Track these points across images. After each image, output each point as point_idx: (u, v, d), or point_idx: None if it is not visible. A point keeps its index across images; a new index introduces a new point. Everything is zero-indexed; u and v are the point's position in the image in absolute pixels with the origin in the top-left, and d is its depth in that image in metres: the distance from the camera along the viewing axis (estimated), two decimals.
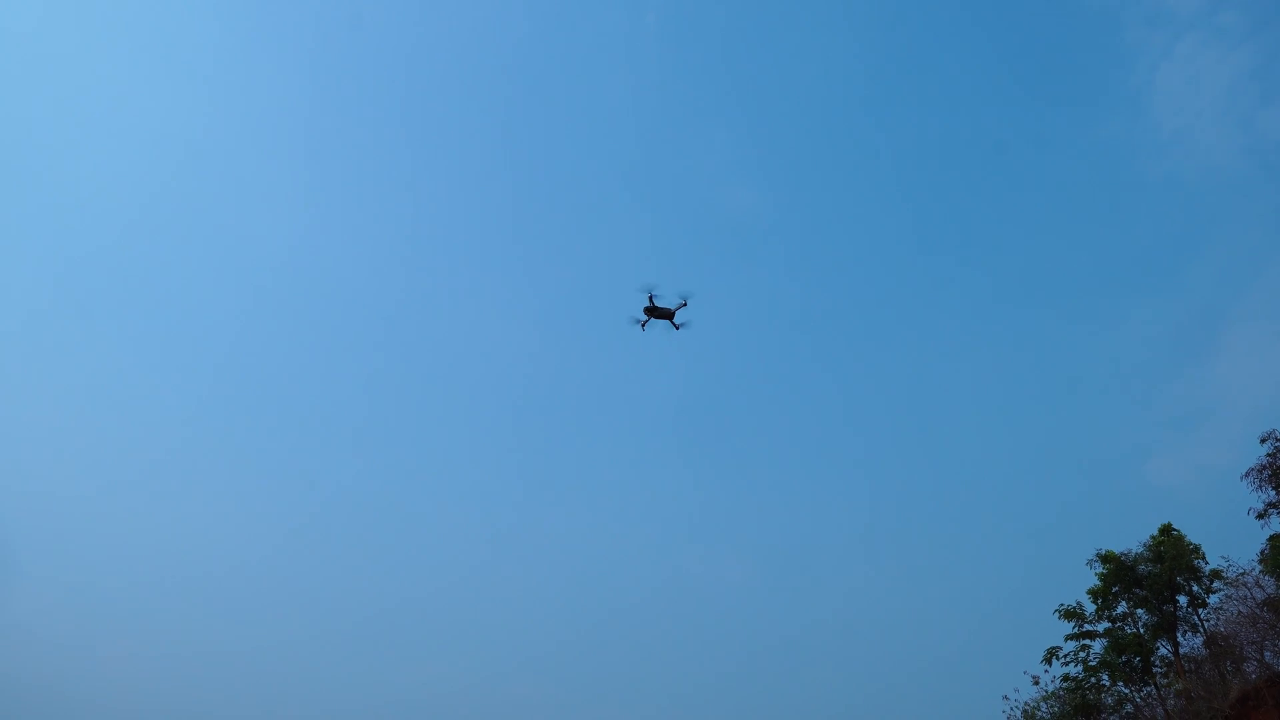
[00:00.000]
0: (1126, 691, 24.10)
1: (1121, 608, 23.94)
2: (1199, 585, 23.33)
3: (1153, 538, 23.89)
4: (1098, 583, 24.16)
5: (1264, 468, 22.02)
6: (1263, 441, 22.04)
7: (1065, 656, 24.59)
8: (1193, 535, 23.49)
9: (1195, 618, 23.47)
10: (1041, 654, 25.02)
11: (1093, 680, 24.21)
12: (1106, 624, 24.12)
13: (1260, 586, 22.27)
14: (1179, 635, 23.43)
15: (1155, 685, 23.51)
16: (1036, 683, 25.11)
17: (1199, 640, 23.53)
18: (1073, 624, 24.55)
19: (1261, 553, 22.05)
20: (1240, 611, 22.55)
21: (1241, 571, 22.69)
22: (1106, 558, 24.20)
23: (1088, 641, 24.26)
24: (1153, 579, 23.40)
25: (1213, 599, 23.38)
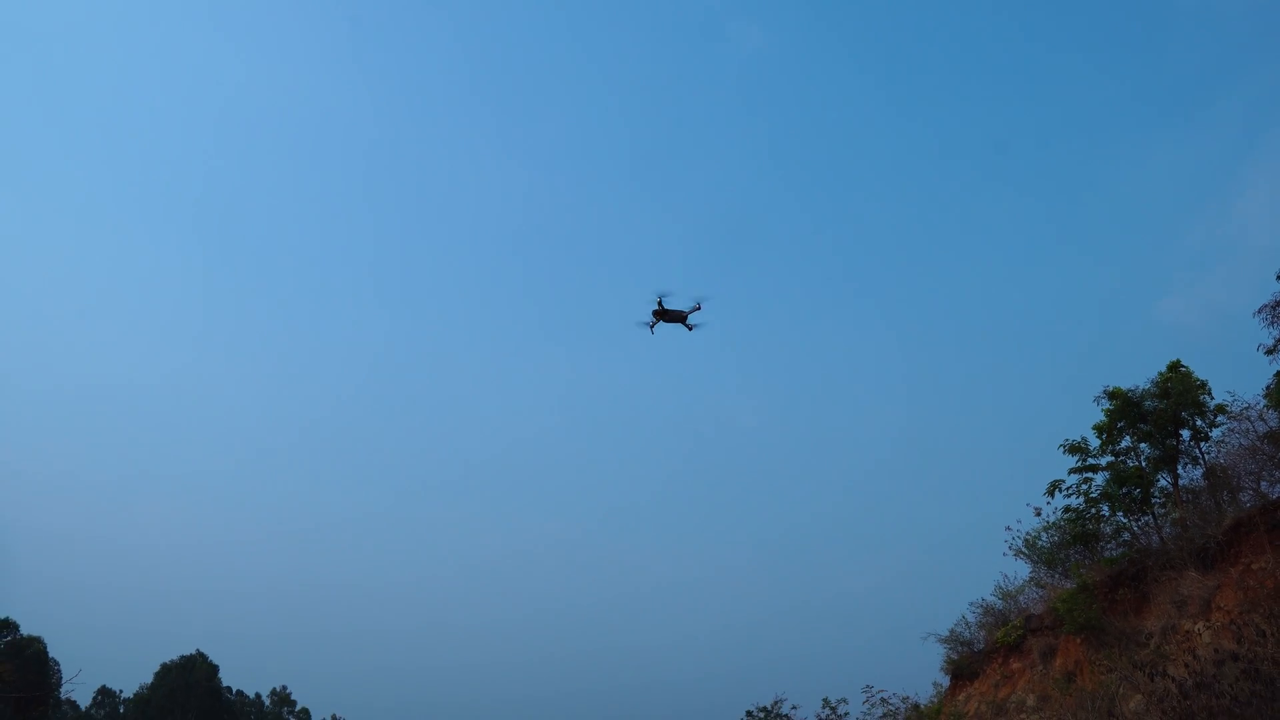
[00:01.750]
0: (1125, 521, 25.09)
1: (1125, 442, 24.45)
2: (1203, 420, 23.68)
3: (1161, 374, 24.03)
4: (1104, 419, 24.63)
5: (1277, 304, 21.77)
6: (1278, 278, 21.72)
7: (1068, 489, 25.40)
8: (1202, 373, 23.69)
9: (1197, 451, 23.99)
10: (1045, 488, 25.97)
11: (1093, 511, 25.14)
12: (1109, 458, 24.71)
13: (1263, 420, 22.53)
14: (1179, 468, 24.02)
15: (1153, 515, 24.44)
16: (1038, 514, 26.21)
17: (1199, 472, 24.15)
18: (1076, 458, 25.21)
19: (1267, 388, 22.12)
20: (1241, 444, 22.95)
21: (1246, 406, 22.92)
22: (1113, 394, 24.50)
23: (1090, 475, 24.92)
24: (1158, 414, 23.75)
25: (1215, 433, 23.74)
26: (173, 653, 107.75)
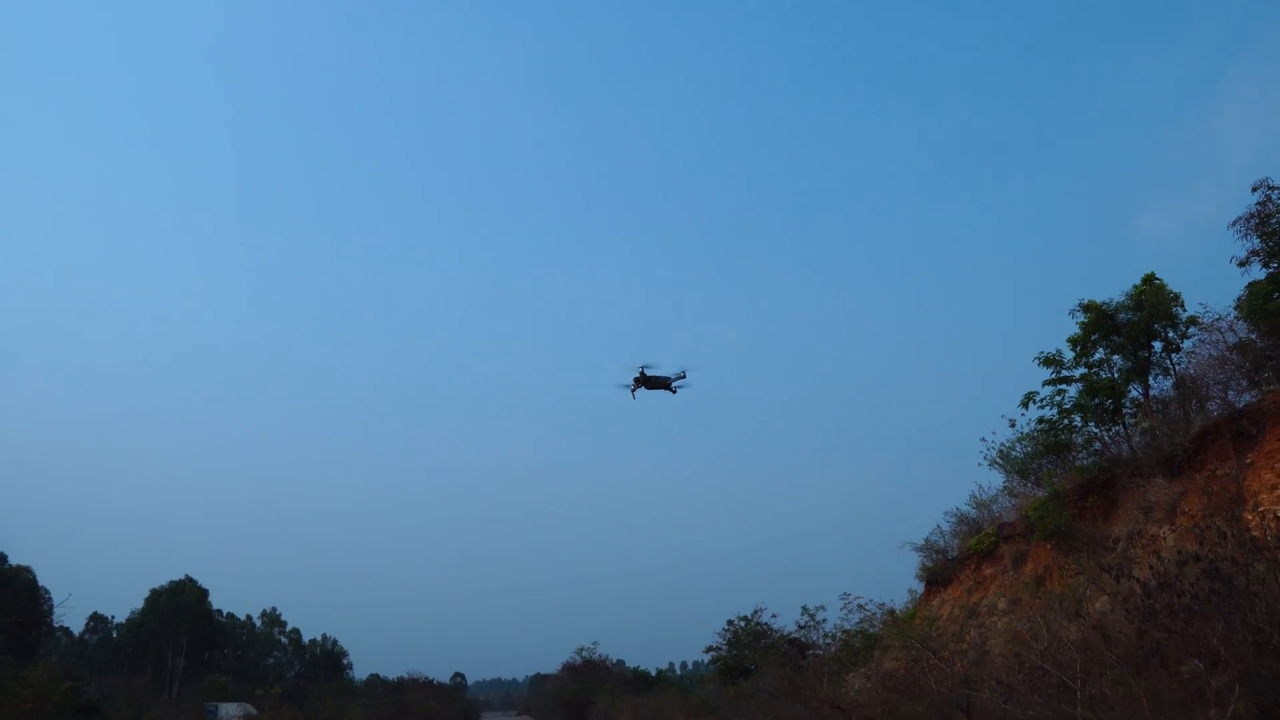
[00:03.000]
0: (1096, 431, 25.64)
1: (1098, 354, 24.86)
2: (1175, 331, 24.08)
3: (1135, 287, 24.33)
4: (1078, 331, 24.97)
5: (1252, 215, 21.91)
6: (1254, 190, 21.82)
7: (1041, 401, 25.89)
8: (1178, 287, 23.92)
9: (1168, 362, 24.46)
10: (1019, 401, 26.44)
11: (1065, 422, 25.64)
12: (1083, 370, 25.16)
13: (1233, 331, 22.90)
14: (1151, 379, 24.51)
15: (1124, 425, 25.01)
16: (1013, 425, 26.76)
17: (1169, 383, 24.70)
18: (1051, 370, 25.63)
19: (1238, 299, 22.47)
20: (1211, 355, 23.39)
21: (1217, 318, 23.26)
22: (1088, 307, 24.79)
23: (1064, 387, 25.39)
24: (1131, 326, 24.10)
25: (1186, 344, 24.15)
26: (162, 578, 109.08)
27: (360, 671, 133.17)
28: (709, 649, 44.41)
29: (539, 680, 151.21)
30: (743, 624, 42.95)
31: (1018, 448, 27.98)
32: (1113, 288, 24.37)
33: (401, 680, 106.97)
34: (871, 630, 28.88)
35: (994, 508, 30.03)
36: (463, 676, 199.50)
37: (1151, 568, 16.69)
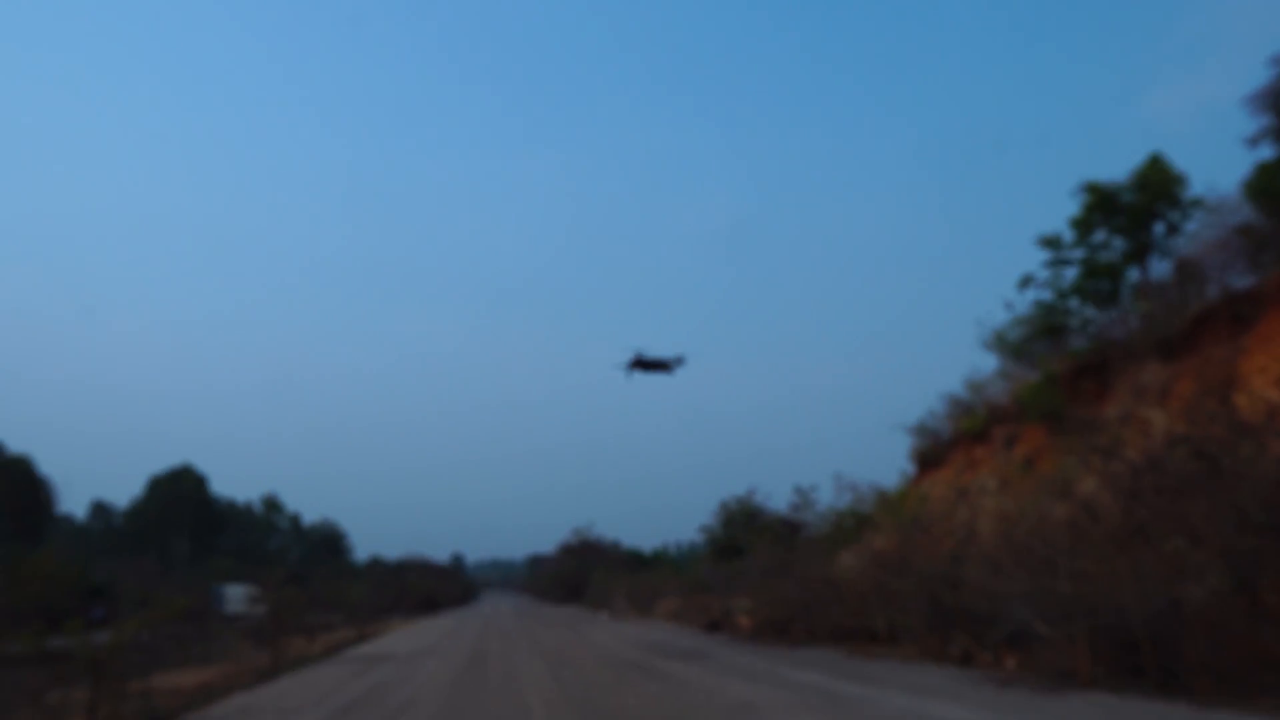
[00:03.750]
0: (1092, 314, 25.65)
1: (1099, 236, 24.64)
2: (1178, 213, 23.79)
3: (1140, 167, 23.91)
4: (1080, 213, 24.64)
5: (1265, 92, 21.34)
6: (1272, 64, 21.13)
7: (1039, 284, 25.79)
8: (1187, 168, 23.39)
9: (1169, 245, 24.24)
10: (1017, 284, 26.31)
11: (1062, 305, 25.63)
12: (1083, 252, 24.96)
13: (1238, 213, 22.56)
14: (1150, 262, 24.35)
15: (1120, 308, 24.99)
16: (1009, 307, 26.71)
17: (1168, 266, 24.53)
18: (1051, 252, 25.40)
19: (1246, 181, 22.07)
20: (1213, 237, 23.14)
21: (1222, 199, 22.90)
22: (1090, 188, 24.39)
23: (1062, 269, 25.29)
24: (1133, 208, 23.78)
25: (1189, 226, 23.90)
26: (161, 465, 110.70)
27: (361, 554, 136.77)
28: (702, 529, 45.51)
29: (536, 560, 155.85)
30: (736, 505, 43.87)
31: (1013, 331, 28.02)
32: (1121, 171, 23.71)
33: (402, 561, 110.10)
34: (863, 510, 29.49)
35: (987, 390, 30.28)
36: (462, 557, 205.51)
37: (1141, 449, 16.91)
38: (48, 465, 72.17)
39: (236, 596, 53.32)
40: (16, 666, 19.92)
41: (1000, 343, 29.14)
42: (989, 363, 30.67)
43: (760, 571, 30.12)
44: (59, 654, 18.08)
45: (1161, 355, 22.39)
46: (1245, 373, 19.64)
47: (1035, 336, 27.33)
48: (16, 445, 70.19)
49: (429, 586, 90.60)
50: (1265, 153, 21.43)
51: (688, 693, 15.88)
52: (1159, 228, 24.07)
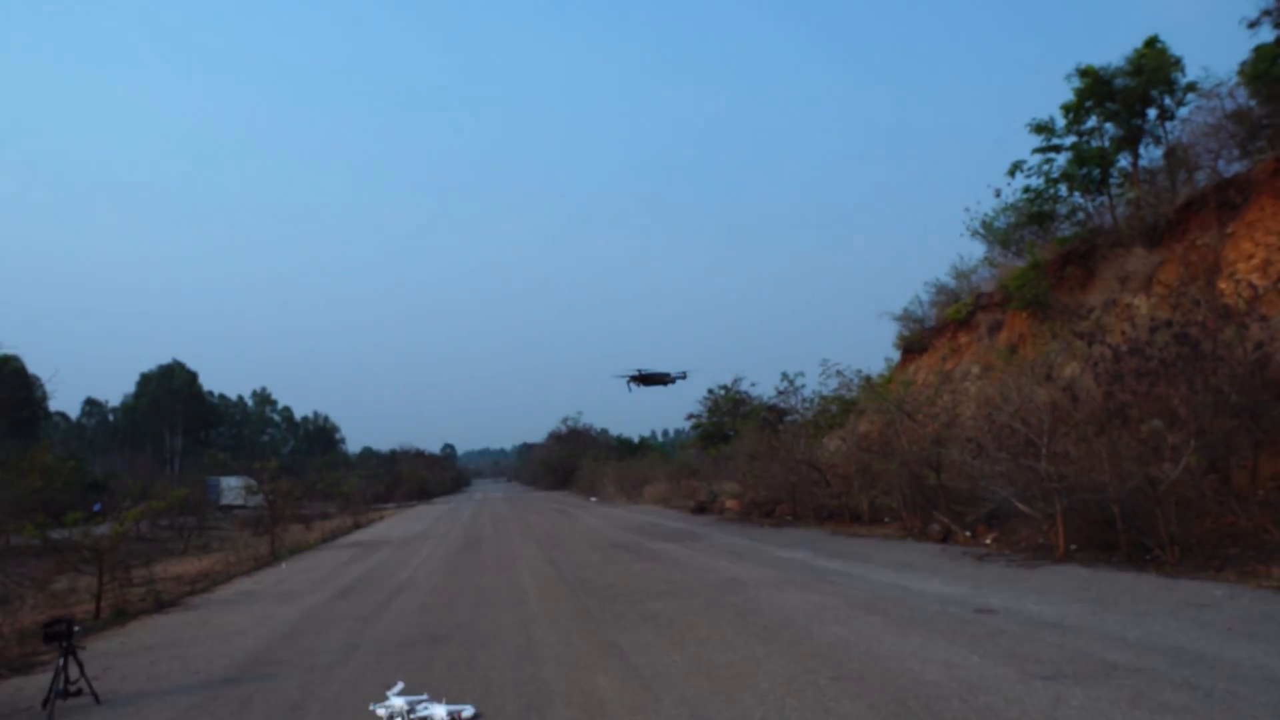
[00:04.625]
0: (1081, 201, 25.54)
1: (1091, 122, 24.29)
2: (1171, 98, 23.43)
3: (1136, 50, 23.40)
4: (1073, 98, 24.22)
5: None
6: None
7: (1029, 170, 25.53)
8: (1187, 53, 23.12)
9: (1161, 130, 23.96)
10: (1007, 171, 26.05)
11: (1051, 191, 25.46)
12: (1073, 138, 24.63)
13: (1232, 97, 22.27)
14: (1141, 148, 24.09)
15: (1109, 195, 24.87)
16: (998, 195, 26.66)
17: (1160, 152, 24.32)
18: (1042, 138, 25.07)
19: (1243, 64, 21.68)
20: (1206, 123, 22.90)
21: (1218, 83, 22.53)
22: (1084, 72, 23.89)
23: (1052, 155, 24.96)
24: (1127, 92, 23.38)
25: (1182, 111, 23.58)
26: (151, 363, 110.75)
27: (353, 445, 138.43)
28: (690, 416, 46.15)
29: (526, 449, 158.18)
30: (723, 392, 44.41)
31: (1001, 218, 27.98)
32: (1119, 57, 23.12)
33: (394, 452, 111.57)
34: (848, 396, 29.94)
35: (973, 278, 30.43)
36: (453, 447, 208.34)
37: (1124, 334, 17.14)
38: (38, 365, 72.00)
39: (232, 488, 54.08)
40: (21, 557, 20.40)
41: (988, 230, 29.12)
42: (976, 251, 30.78)
43: (747, 456, 30.79)
44: (62, 545, 18.49)
45: (1148, 242, 22.44)
46: (1230, 259, 19.76)
47: (1023, 224, 27.29)
48: (6, 343, 69.83)
49: (421, 476, 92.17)
50: (1265, 36, 20.99)
51: (677, 570, 16.45)
52: (1152, 113, 23.71)
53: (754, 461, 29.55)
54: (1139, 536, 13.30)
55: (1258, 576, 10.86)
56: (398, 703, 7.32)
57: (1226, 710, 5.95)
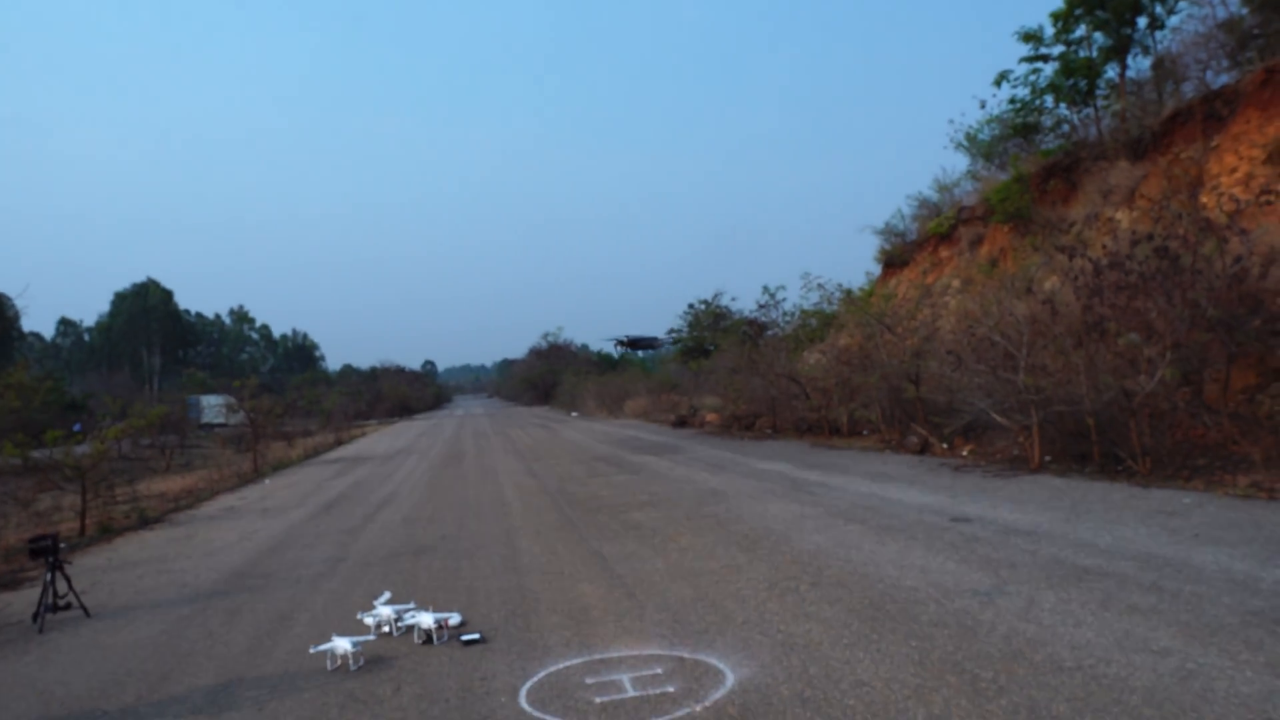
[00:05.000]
0: (1066, 113, 25.28)
1: (1080, 31, 23.89)
2: (1163, 6, 22.98)
3: None
4: (1062, 6, 23.73)
5: None
6: None
7: (1015, 80, 25.15)
8: None
9: (1150, 40, 23.59)
10: (993, 81, 25.64)
11: (1037, 103, 25.16)
12: (1062, 48, 24.24)
13: (1224, 5, 21.90)
14: (1130, 58, 23.75)
15: (1095, 107, 24.60)
16: (983, 106, 26.36)
17: (1148, 63, 24.01)
18: (1030, 46, 24.65)
19: None
20: (1196, 32, 22.56)
21: None
22: None
23: (1040, 65, 24.61)
24: (1117, 0, 22.99)
25: (1173, 20, 23.19)
26: (124, 282, 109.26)
27: (333, 363, 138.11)
28: (670, 331, 46.23)
29: (506, 365, 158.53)
30: (703, 307, 44.44)
31: (985, 130, 27.70)
32: None
33: (374, 369, 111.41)
34: (829, 309, 30.01)
35: (955, 191, 30.28)
36: (433, 364, 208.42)
37: (1104, 247, 17.16)
38: (7, 283, 70.86)
39: (213, 406, 54.01)
40: (3, 477, 20.39)
41: (971, 143, 28.85)
42: (959, 164, 30.54)
43: (727, 370, 30.97)
44: (44, 464, 18.46)
45: (1132, 155, 22.30)
46: (1213, 173, 19.69)
47: (1007, 136, 27.04)
48: None
49: (402, 392, 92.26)
50: None
51: (658, 482, 16.68)
52: (1142, 22, 23.31)
53: (734, 375, 29.73)
54: (1112, 448, 13.56)
55: (1225, 485, 11.13)
56: (385, 611, 7.42)
57: (1191, 610, 6.14)
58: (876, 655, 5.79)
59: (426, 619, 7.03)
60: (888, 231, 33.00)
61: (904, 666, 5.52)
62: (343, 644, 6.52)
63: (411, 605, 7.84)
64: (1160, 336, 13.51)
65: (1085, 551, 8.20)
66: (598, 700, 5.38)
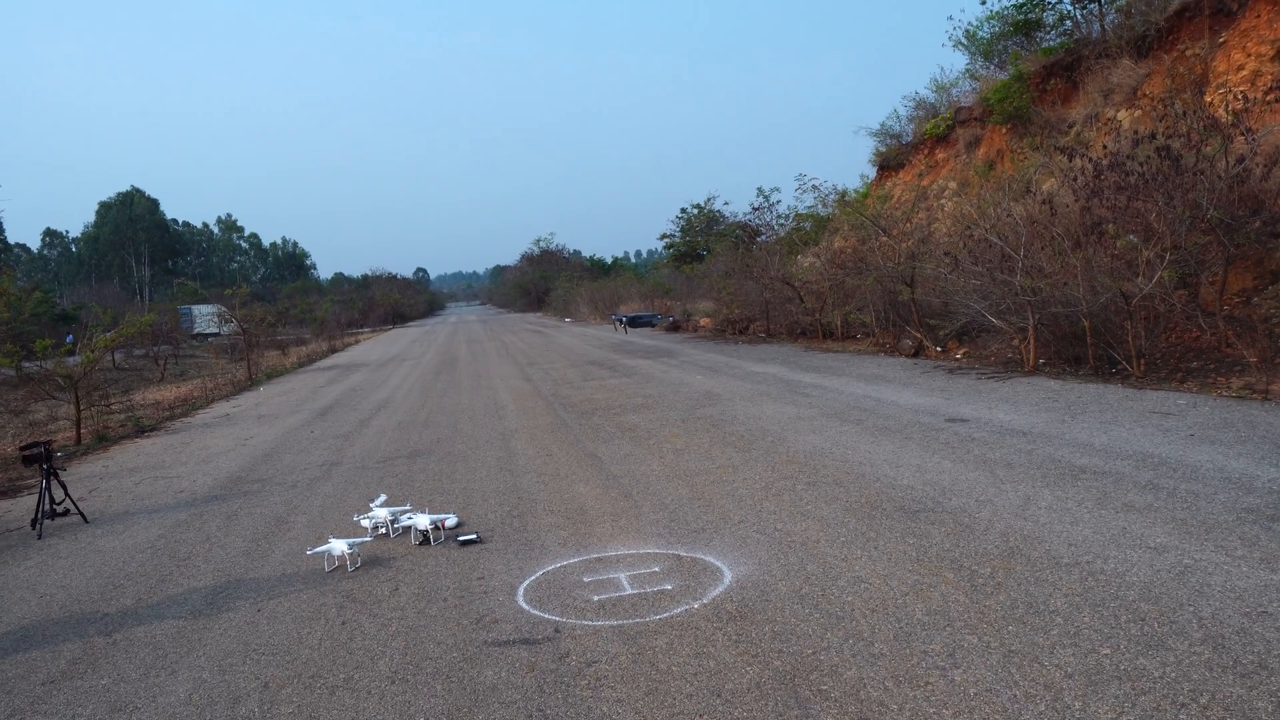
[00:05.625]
0: (1069, 9, 24.47)
1: None
2: None
3: None
4: None
5: None
6: None
7: None
8: None
9: None
10: None
11: None
12: None
13: None
14: None
15: (1099, 2, 23.79)
16: (984, 2, 25.45)
17: None
18: None
19: None
20: None
21: None
22: None
23: None
24: None
25: None
26: (109, 191, 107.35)
27: (324, 271, 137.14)
28: (663, 236, 45.79)
29: (499, 271, 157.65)
30: (695, 211, 43.89)
31: (985, 27, 26.88)
32: None
33: (366, 277, 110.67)
34: (823, 212, 29.67)
35: (953, 91, 29.60)
36: (425, 271, 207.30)
37: (1105, 148, 16.83)
38: None
39: (205, 316, 53.72)
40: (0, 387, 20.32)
41: (970, 41, 28.02)
42: (958, 63, 29.76)
43: (721, 274, 30.77)
44: (36, 375, 18.36)
45: (1135, 53, 21.70)
46: (1220, 70, 19.19)
47: (1007, 33, 26.26)
48: None
49: (395, 300, 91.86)
50: None
51: (652, 385, 16.68)
52: None
53: (728, 279, 29.55)
54: (1107, 350, 13.54)
55: (1219, 388, 11.14)
56: (381, 513, 7.43)
57: (1187, 508, 6.17)
58: (874, 553, 5.81)
59: (423, 520, 7.05)
60: (883, 133, 32.38)
61: (901, 563, 5.55)
62: (339, 545, 6.54)
63: (407, 507, 7.86)
64: (1159, 238, 13.36)
65: (1081, 451, 8.22)
66: (595, 598, 5.41)
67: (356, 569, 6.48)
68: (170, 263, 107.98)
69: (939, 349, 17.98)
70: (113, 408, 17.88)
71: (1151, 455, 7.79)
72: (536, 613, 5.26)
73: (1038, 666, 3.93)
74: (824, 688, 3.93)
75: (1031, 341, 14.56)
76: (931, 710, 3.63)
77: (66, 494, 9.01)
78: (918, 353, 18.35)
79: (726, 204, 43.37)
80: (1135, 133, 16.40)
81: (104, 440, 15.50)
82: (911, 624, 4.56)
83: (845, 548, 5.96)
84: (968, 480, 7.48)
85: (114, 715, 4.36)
